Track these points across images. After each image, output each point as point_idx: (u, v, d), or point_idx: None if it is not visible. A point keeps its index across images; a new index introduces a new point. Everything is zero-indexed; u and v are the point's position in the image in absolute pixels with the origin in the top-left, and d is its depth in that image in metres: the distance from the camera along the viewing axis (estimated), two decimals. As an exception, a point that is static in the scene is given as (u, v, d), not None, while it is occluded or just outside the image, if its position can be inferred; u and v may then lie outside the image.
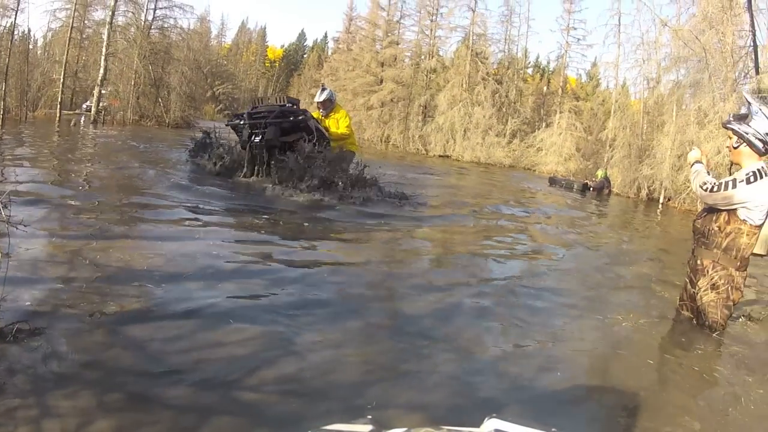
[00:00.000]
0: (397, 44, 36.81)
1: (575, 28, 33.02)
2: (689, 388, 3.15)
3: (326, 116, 9.13)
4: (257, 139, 8.10)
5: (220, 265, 4.24)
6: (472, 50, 32.66)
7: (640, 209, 16.26)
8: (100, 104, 23.02)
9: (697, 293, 4.04)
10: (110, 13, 23.22)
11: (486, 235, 7.38)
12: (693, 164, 4.21)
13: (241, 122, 8.44)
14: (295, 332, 3.12)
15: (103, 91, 23.14)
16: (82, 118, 22.69)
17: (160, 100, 25.62)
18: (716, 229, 3.92)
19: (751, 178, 3.71)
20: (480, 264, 5.73)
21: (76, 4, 23.40)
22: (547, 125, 31.96)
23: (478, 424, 0.99)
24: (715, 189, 3.85)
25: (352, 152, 9.27)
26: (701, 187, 3.96)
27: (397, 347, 3.16)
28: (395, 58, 36.58)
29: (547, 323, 3.98)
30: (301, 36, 78.53)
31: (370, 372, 2.80)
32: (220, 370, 2.57)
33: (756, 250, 3.91)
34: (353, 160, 9.03)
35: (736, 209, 3.81)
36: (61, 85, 21.07)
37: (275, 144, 8.05)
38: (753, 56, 15.38)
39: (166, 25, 27.25)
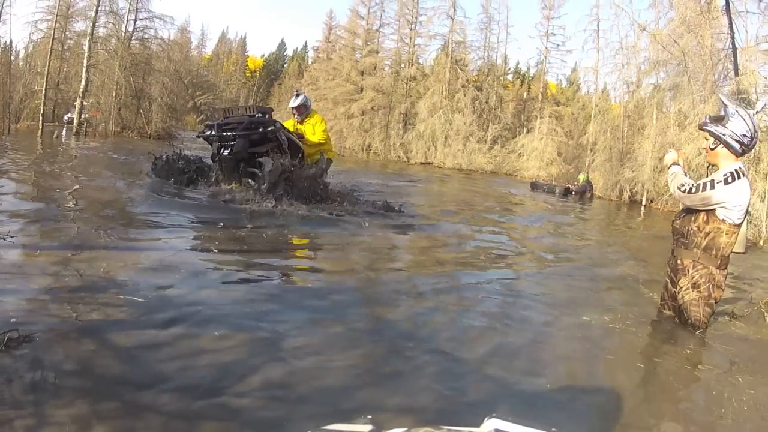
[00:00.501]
0: (377, 53, 36.86)
1: (554, 34, 33.22)
2: (676, 386, 3.18)
3: (301, 122, 9.00)
4: (226, 152, 7.96)
5: (202, 274, 4.25)
6: (451, 58, 32.83)
7: (623, 212, 16.41)
8: (82, 116, 22.87)
9: (679, 292, 4.07)
10: (91, 24, 23.18)
11: (468, 241, 7.41)
12: (670, 166, 4.26)
13: (211, 133, 8.20)
14: (279, 338, 3.13)
15: (84, 103, 23.04)
16: (64, 130, 22.54)
17: (141, 111, 25.55)
18: (695, 229, 3.96)
19: (729, 179, 3.77)
20: (461, 269, 5.76)
21: (57, 15, 23.28)
22: (528, 131, 32.06)
23: (471, 425, 1.01)
24: (694, 190, 3.89)
25: (329, 159, 9.19)
26: (679, 188, 4.01)
27: (382, 352, 3.18)
28: (375, 67, 36.56)
29: (531, 325, 4.01)
30: (281, 45, 78.41)
31: (357, 376, 2.82)
32: (207, 376, 2.58)
33: (735, 249, 3.98)
34: (329, 168, 8.96)
35: (714, 209, 3.85)
36: (43, 97, 20.95)
37: (243, 156, 7.89)
38: (732, 58, 15.60)
39: (146, 36, 27.23)
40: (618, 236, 10.68)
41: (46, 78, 21.31)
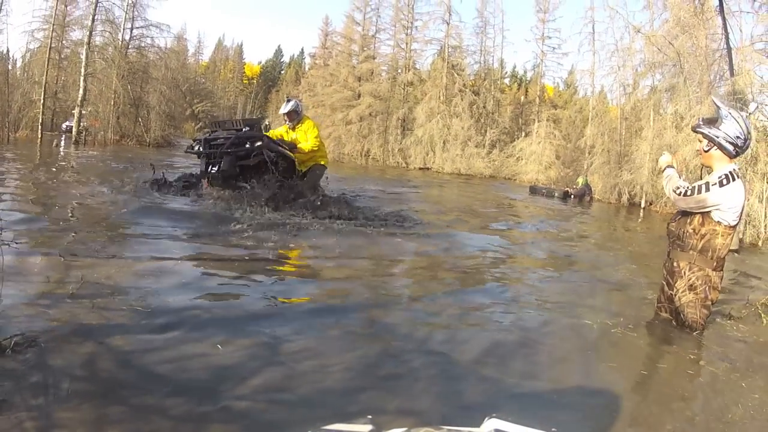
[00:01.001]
0: (374, 58, 36.83)
1: (550, 37, 33.18)
2: (673, 388, 3.19)
3: (293, 128, 8.87)
4: (214, 170, 7.94)
5: (201, 280, 4.29)
6: (448, 62, 32.86)
7: (622, 214, 16.39)
8: (81, 124, 22.91)
9: (675, 294, 4.09)
10: (88, 33, 23.20)
11: (467, 245, 7.41)
12: (664, 169, 4.30)
13: (199, 148, 8.21)
14: (279, 342, 3.16)
15: (83, 112, 23.03)
16: (63, 139, 22.56)
17: (140, 119, 25.55)
18: (691, 231, 3.99)
19: (724, 181, 3.80)
20: (460, 273, 5.76)
21: (53, 24, 23.34)
22: (526, 134, 32.04)
23: (471, 425, 1.02)
24: (689, 193, 3.92)
25: (323, 166, 9.20)
26: (674, 191, 4.04)
27: (381, 354, 3.20)
28: (372, 72, 36.53)
29: (529, 327, 4.02)
30: (278, 52, 78.66)
31: (356, 379, 2.85)
32: (210, 380, 2.61)
33: (727, 247, 4.01)
34: (323, 174, 8.98)
35: (710, 211, 3.88)
36: (41, 106, 20.98)
37: (232, 173, 7.89)
38: (727, 59, 15.61)
39: (143, 45, 27.29)
40: (617, 239, 10.68)
41: (44, 87, 21.33)
